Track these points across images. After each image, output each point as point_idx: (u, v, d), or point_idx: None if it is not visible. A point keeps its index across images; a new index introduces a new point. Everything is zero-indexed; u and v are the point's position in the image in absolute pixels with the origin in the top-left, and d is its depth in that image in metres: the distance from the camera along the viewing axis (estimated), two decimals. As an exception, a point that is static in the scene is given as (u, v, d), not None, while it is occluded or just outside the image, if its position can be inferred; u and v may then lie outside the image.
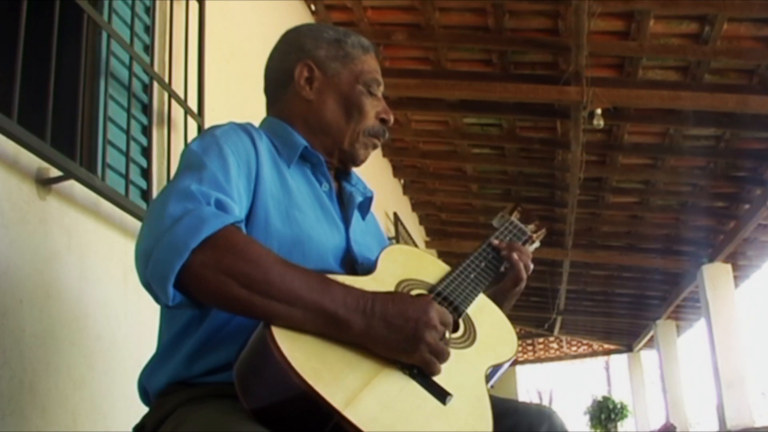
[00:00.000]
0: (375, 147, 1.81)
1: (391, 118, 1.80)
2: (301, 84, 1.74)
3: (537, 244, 2.01)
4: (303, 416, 1.22)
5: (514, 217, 1.97)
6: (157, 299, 1.37)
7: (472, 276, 1.69)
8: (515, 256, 1.81)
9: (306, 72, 1.74)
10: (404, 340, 1.33)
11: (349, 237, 1.68)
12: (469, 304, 1.61)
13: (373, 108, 1.77)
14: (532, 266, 1.86)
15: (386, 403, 1.27)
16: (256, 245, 1.39)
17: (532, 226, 1.98)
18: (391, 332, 1.33)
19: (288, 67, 1.76)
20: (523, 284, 1.83)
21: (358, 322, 1.32)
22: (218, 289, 1.32)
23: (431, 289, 1.58)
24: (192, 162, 1.49)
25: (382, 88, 1.81)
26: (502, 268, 1.82)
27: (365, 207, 1.86)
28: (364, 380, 1.28)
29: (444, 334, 1.38)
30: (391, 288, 1.51)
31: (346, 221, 1.71)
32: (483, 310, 1.66)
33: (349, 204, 1.76)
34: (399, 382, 1.33)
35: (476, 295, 1.65)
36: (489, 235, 1.89)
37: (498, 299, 1.79)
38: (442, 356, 1.36)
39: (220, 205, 1.41)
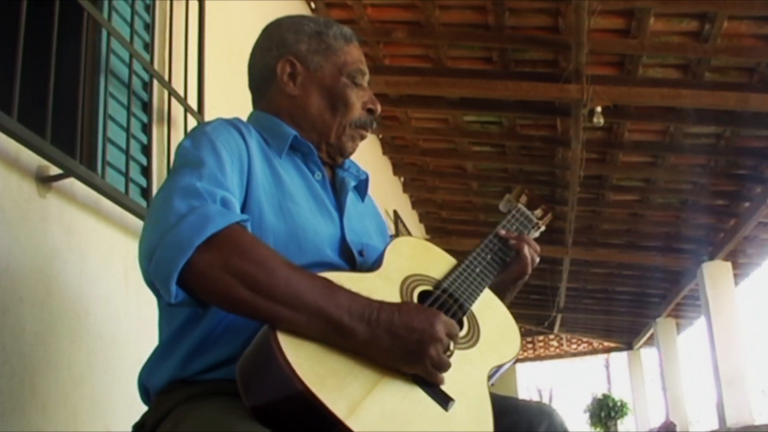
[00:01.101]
0: (362, 138, 1.79)
1: (378, 108, 1.78)
2: (285, 80, 1.72)
3: (542, 228, 1.98)
4: (305, 422, 1.21)
5: (521, 202, 1.93)
6: (159, 296, 1.36)
7: (478, 270, 1.67)
8: (525, 249, 1.79)
9: (288, 68, 1.73)
10: (408, 352, 1.33)
11: (344, 225, 1.67)
12: (474, 301, 1.59)
13: (359, 99, 1.74)
14: (538, 260, 1.84)
15: (388, 411, 1.27)
16: (262, 246, 1.38)
17: (538, 212, 1.93)
18: (395, 344, 1.32)
19: (270, 64, 1.75)
20: (526, 277, 1.82)
21: (362, 331, 1.31)
22: (222, 289, 1.31)
23: (437, 285, 1.57)
24: (189, 159, 1.49)
25: (367, 77, 1.78)
26: (508, 259, 1.80)
27: (362, 189, 1.84)
28: (366, 387, 1.28)
29: (449, 347, 1.38)
30: (397, 284, 1.51)
31: (341, 209, 1.70)
32: (487, 307, 1.65)
33: (342, 191, 1.75)
34: (401, 389, 1.33)
35: (482, 290, 1.64)
36: (495, 225, 1.87)
37: (500, 290, 1.77)
38: (444, 369, 1.36)
39: (226, 204, 1.40)
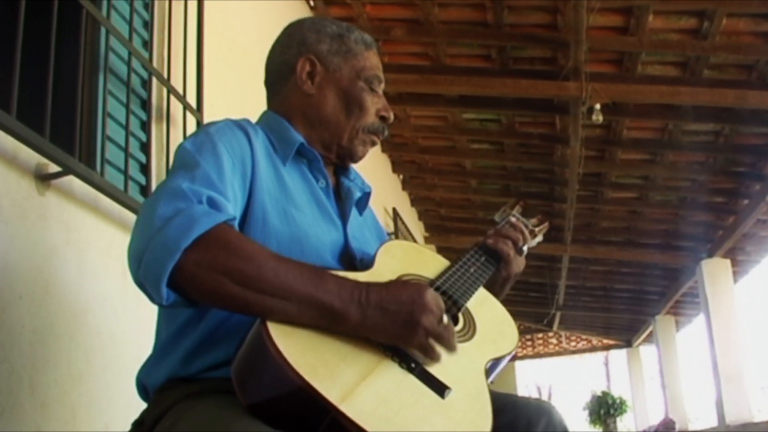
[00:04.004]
0: (374, 144, 1.80)
1: (391, 116, 1.79)
2: (303, 78, 1.73)
3: (539, 238, 2.00)
4: (300, 411, 1.21)
5: (516, 212, 1.97)
6: (151, 299, 1.37)
7: (471, 270, 1.68)
8: (500, 244, 1.82)
9: (308, 66, 1.73)
10: (401, 325, 1.33)
11: (347, 233, 1.68)
12: (468, 298, 1.60)
13: (374, 105, 1.76)
14: (523, 245, 1.87)
15: (383, 397, 1.27)
16: (249, 242, 1.39)
17: (534, 221, 1.97)
18: (388, 320, 1.33)
19: (289, 61, 1.75)
20: (513, 268, 1.83)
21: (353, 313, 1.32)
22: (212, 287, 1.31)
23: (430, 283, 1.57)
24: (185, 160, 1.49)
25: (383, 85, 1.80)
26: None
27: (363, 202, 1.85)
28: (360, 374, 1.28)
29: (441, 318, 1.38)
30: None
31: (344, 217, 1.71)
32: (483, 304, 1.65)
33: (347, 199, 1.76)
34: (396, 376, 1.32)
35: (476, 289, 1.65)
36: (494, 223, 1.89)
37: (493, 286, 1.79)
38: (442, 339, 1.36)
39: (213, 203, 1.40)
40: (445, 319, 1.39)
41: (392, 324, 1.33)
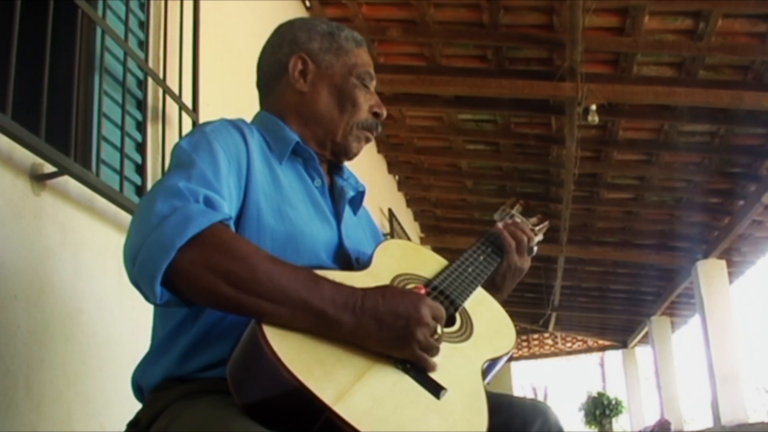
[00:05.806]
0: (368, 141, 1.81)
1: (384, 112, 1.80)
2: (295, 76, 1.74)
3: (539, 237, 1.99)
4: (295, 412, 1.21)
5: (516, 211, 1.96)
6: (146, 298, 1.36)
7: (469, 270, 1.68)
8: (500, 225, 1.85)
9: (300, 64, 1.74)
10: (395, 337, 1.33)
11: (341, 232, 1.68)
12: (466, 298, 1.60)
13: (367, 101, 1.77)
14: (530, 244, 1.87)
15: (378, 397, 1.26)
16: (244, 242, 1.38)
17: (534, 219, 1.96)
18: (382, 330, 1.32)
19: (281, 60, 1.76)
20: (515, 258, 1.83)
21: (347, 320, 1.31)
22: (206, 287, 1.31)
23: (427, 283, 1.57)
24: (181, 159, 1.49)
25: (374, 82, 1.81)
26: (500, 259, 1.81)
27: (357, 202, 1.85)
28: (355, 375, 1.27)
29: (436, 330, 1.37)
30: (386, 282, 1.50)
31: (338, 216, 1.71)
32: (481, 304, 1.65)
33: (341, 199, 1.76)
34: (392, 377, 1.32)
35: (474, 289, 1.64)
36: (490, 224, 1.89)
37: (497, 279, 1.80)
38: (433, 352, 1.35)
39: (209, 202, 1.40)
40: (439, 330, 1.39)
41: (386, 335, 1.33)
